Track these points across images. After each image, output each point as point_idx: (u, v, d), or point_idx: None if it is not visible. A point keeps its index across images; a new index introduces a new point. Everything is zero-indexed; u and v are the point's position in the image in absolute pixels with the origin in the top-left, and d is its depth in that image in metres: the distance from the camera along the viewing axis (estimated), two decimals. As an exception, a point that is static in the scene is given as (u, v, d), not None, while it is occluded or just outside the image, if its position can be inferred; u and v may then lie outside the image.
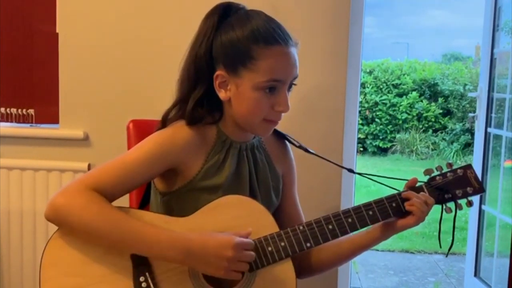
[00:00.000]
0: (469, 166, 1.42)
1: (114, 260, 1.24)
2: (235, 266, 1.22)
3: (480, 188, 1.41)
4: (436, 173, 1.40)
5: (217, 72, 1.31)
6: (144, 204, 1.49)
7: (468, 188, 1.40)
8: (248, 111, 1.31)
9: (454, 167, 1.42)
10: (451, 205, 1.39)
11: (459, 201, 1.39)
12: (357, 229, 1.35)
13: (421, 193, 1.36)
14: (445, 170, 1.41)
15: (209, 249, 1.20)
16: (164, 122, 1.36)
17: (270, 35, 1.29)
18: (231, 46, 1.29)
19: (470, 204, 1.41)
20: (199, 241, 1.21)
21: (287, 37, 1.31)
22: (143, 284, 1.24)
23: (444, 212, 1.39)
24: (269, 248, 1.28)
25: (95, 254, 1.24)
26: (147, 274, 1.24)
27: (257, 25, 1.29)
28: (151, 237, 1.21)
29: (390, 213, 1.35)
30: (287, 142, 1.52)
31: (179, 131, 1.32)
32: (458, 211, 1.39)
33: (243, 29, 1.29)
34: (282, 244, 1.29)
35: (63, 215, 1.21)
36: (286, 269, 1.30)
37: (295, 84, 1.35)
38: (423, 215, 1.34)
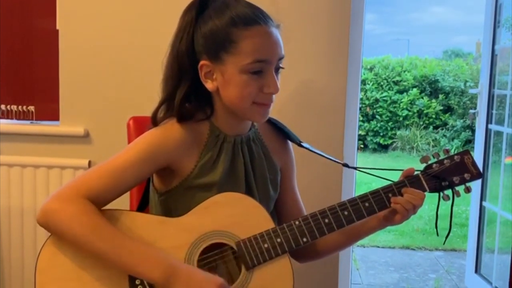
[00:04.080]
0: (466, 152, 1.40)
1: None
2: None
3: (477, 174, 1.38)
4: (433, 160, 1.39)
5: (201, 63, 1.30)
6: (143, 203, 1.49)
7: (466, 175, 1.37)
8: (237, 96, 1.29)
9: (452, 153, 1.40)
10: (449, 192, 1.38)
11: (457, 188, 1.38)
12: (353, 222, 1.33)
13: (411, 190, 1.34)
14: (442, 156, 1.39)
15: (195, 277, 1.19)
16: (155, 122, 1.34)
17: (249, 17, 1.27)
18: (211, 34, 1.28)
19: (468, 190, 1.39)
20: (186, 268, 1.21)
21: (267, 18, 1.30)
22: (139, 287, 1.23)
23: (441, 199, 1.38)
24: (265, 245, 1.28)
25: (91, 257, 1.22)
26: None
27: (236, 11, 1.28)
28: (136, 256, 1.19)
29: (387, 204, 1.34)
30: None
31: (170, 130, 1.31)
32: (456, 202, 1.37)
33: (221, 17, 1.28)
34: (278, 240, 1.28)
35: (53, 221, 1.20)
36: (283, 265, 1.29)
37: (282, 68, 1.33)
38: (407, 213, 1.33)
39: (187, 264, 1.24)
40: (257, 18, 1.28)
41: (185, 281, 1.18)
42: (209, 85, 1.31)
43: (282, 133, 1.50)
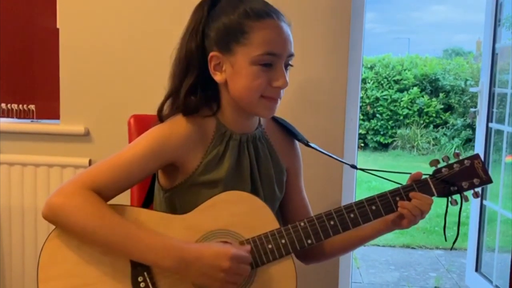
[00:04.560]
0: (476, 156, 1.37)
1: (112, 260, 1.23)
2: (231, 278, 1.20)
3: (487, 179, 1.36)
4: (442, 164, 1.37)
5: (211, 54, 1.30)
6: (148, 200, 1.48)
7: (475, 180, 1.35)
8: (245, 88, 1.28)
9: (461, 157, 1.38)
10: (457, 196, 1.36)
11: (465, 193, 1.36)
12: (359, 225, 1.32)
13: (418, 194, 1.33)
14: (452, 160, 1.37)
15: (205, 260, 1.19)
16: (160, 118, 1.34)
17: (262, 10, 1.28)
18: (224, 27, 1.28)
19: (476, 195, 1.37)
20: (195, 250, 1.20)
21: (279, 14, 1.31)
22: (142, 285, 1.23)
23: (449, 204, 1.36)
24: (269, 246, 1.27)
25: (93, 254, 1.23)
26: (145, 274, 1.23)
27: (249, 5, 1.29)
28: (146, 244, 1.20)
29: (394, 207, 1.33)
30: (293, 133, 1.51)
31: (176, 126, 1.31)
32: (463, 203, 1.36)
33: (235, 10, 1.28)
34: (283, 241, 1.28)
35: (59, 215, 1.20)
36: (286, 266, 1.29)
37: (291, 65, 1.34)
38: (415, 219, 1.32)
39: (197, 244, 1.23)
40: (270, 12, 1.29)
41: (197, 267, 1.19)
42: (217, 77, 1.31)
43: (289, 133, 1.50)
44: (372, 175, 1.48)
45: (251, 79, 1.27)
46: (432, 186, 1.35)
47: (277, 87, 1.29)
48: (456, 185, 1.35)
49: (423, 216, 1.34)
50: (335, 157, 1.52)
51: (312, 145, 1.50)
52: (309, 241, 1.29)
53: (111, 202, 1.27)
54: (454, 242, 1.42)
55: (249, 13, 1.27)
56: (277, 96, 1.32)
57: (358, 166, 1.55)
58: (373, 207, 1.32)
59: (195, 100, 1.32)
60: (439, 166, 1.37)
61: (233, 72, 1.29)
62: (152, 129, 1.32)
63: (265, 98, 1.30)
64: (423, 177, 1.37)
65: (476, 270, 3.48)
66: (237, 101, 1.32)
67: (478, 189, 1.38)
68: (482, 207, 3.41)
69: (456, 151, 1.44)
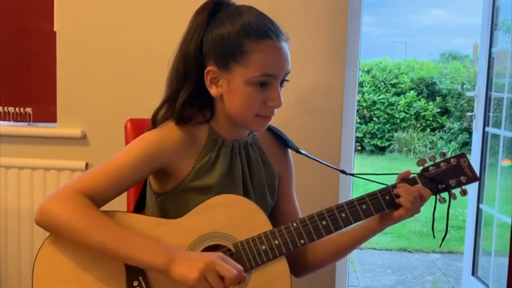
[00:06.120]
0: (462, 155, 1.40)
1: (107, 265, 1.23)
2: (210, 274, 1.16)
3: (473, 177, 1.38)
4: (429, 163, 1.39)
5: (208, 68, 1.30)
6: (140, 204, 1.48)
7: (462, 177, 1.37)
8: (241, 107, 1.29)
9: (448, 156, 1.40)
10: (446, 195, 1.38)
11: (453, 191, 1.38)
12: (351, 224, 1.33)
13: (416, 186, 1.34)
14: (438, 159, 1.39)
15: (193, 255, 1.20)
16: (154, 122, 1.34)
17: (262, 29, 1.27)
18: (222, 41, 1.28)
19: (464, 193, 1.39)
20: (184, 251, 1.23)
21: (279, 32, 1.30)
22: None
23: (438, 202, 1.37)
24: (263, 247, 1.27)
25: (88, 260, 1.23)
26: (140, 278, 1.23)
27: (248, 20, 1.28)
28: (138, 243, 1.20)
29: (384, 206, 1.34)
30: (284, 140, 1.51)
31: (168, 132, 1.31)
32: (452, 204, 1.38)
33: (234, 24, 1.28)
34: (276, 242, 1.28)
35: (51, 219, 1.20)
36: (280, 267, 1.29)
37: (287, 80, 1.34)
38: (413, 206, 1.31)
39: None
40: (270, 31, 1.28)
41: (185, 261, 1.17)
42: (213, 90, 1.31)
43: (280, 140, 1.50)
44: (369, 180, 1.49)
45: (246, 99, 1.28)
46: (420, 184, 1.36)
47: (271, 107, 1.31)
48: (443, 183, 1.37)
49: (422, 203, 1.33)
50: (325, 162, 1.52)
51: (303, 151, 1.50)
52: (302, 241, 1.30)
53: (107, 207, 1.27)
54: (442, 239, 1.43)
55: (248, 31, 1.26)
56: (271, 114, 1.33)
57: (352, 170, 1.56)
58: (364, 206, 1.33)
59: (190, 111, 1.33)
60: (426, 165, 1.39)
61: (229, 89, 1.29)
62: (144, 135, 1.32)
63: (259, 116, 1.31)
64: (411, 175, 1.38)
65: (473, 274, 3.48)
66: (231, 117, 1.33)
67: (466, 187, 1.39)
68: (478, 211, 3.41)
69: (443, 150, 1.45)
